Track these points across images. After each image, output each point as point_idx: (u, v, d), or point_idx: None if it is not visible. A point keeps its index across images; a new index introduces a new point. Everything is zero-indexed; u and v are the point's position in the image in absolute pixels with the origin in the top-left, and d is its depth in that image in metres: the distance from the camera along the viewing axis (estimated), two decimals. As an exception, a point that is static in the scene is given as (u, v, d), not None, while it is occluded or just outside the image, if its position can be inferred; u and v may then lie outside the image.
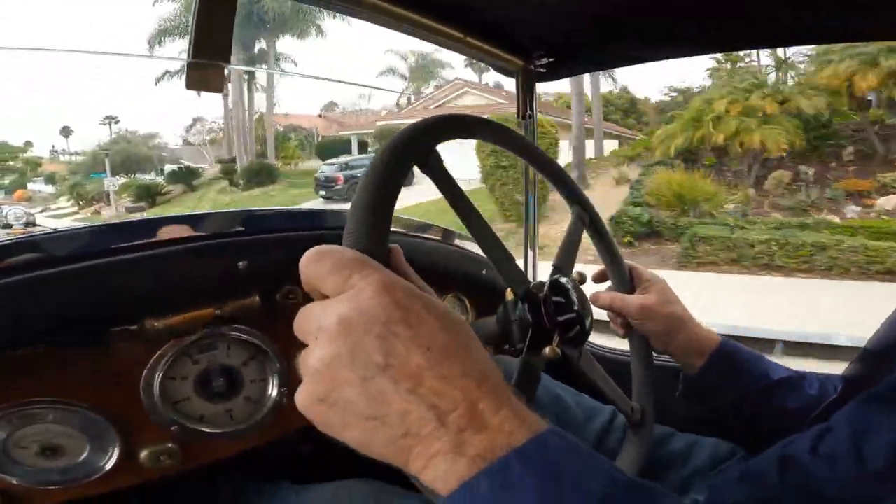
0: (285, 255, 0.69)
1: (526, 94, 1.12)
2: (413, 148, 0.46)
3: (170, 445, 0.65)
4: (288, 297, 0.71)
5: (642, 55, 1.11)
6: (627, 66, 1.16)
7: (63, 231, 0.59)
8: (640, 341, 0.78)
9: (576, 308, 0.58)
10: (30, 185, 34.56)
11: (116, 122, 37.65)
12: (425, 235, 0.92)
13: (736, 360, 0.75)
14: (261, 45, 25.80)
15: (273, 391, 0.73)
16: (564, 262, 0.65)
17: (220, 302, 0.66)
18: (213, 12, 0.67)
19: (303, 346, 0.33)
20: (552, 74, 1.10)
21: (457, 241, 0.97)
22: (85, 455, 0.61)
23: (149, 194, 23.49)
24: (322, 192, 18.04)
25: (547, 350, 0.53)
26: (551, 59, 1.09)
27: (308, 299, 0.73)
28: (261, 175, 21.64)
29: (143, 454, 0.64)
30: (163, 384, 0.64)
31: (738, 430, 0.80)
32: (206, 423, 0.69)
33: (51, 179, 35.22)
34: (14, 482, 0.58)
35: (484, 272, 0.96)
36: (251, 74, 26.01)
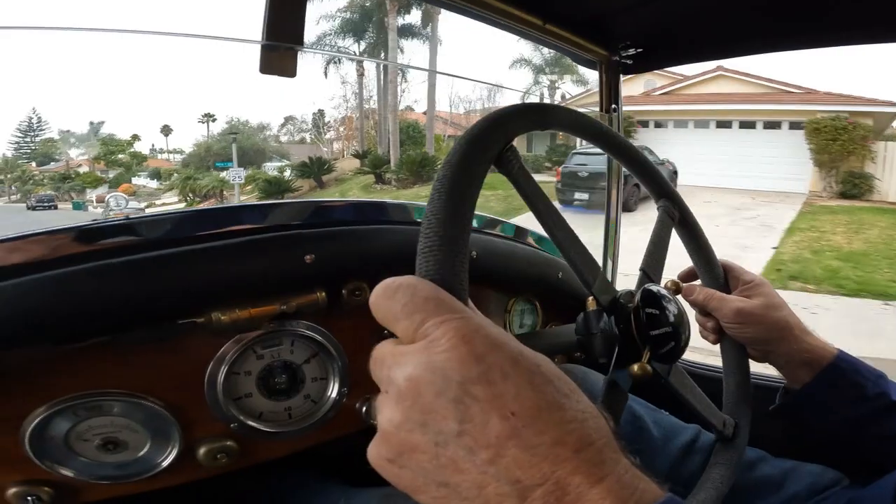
0: (352, 248, 0.67)
1: (610, 85, 1.04)
2: (489, 145, 0.40)
3: (228, 443, 0.64)
4: (354, 294, 0.68)
5: (741, 47, 1.01)
6: (723, 58, 1.06)
7: (131, 219, 0.58)
8: (735, 348, 0.70)
9: (671, 321, 0.52)
10: (134, 180, 33.78)
11: (214, 120, 38.45)
12: (498, 234, 0.87)
13: (852, 376, 0.65)
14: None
15: (333, 391, 0.70)
16: (652, 265, 0.59)
17: (285, 296, 0.63)
18: (285, -4, 0.65)
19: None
20: (639, 66, 1.02)
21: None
22: (145, 450, 0.60)
23: (278, 189, 20.37)
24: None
25: (636, 367, 0.47)
26: (639, 50, 1.01)
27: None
28: (425, 169, 17.56)
29: (201, 451, 0.62)
30: (227, 379, 0.62)
31: (842, 455, 0.69)
32: (264, 420, 0.67)
33: (156, 174, 34.15)
34: (70, 475, 0.58)
35: (559, 275, 0.90)
36: (385, 67, 24.65)
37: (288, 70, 0.61)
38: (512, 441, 0.25)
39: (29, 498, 0.56)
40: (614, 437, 0.27)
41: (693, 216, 0.67)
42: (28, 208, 28.32)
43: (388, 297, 0.29)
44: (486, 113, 0.63)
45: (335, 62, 24.54)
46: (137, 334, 0.58)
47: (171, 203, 25.41)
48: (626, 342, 0.49)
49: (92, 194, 31.09)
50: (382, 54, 23.69)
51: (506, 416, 0.25)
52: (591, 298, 0.51)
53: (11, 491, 0.56)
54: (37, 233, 0.54)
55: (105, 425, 0.58)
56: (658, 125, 15.33)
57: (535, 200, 0.46)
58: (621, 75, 1.06)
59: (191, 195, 23.46)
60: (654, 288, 0.54)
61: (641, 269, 0.58)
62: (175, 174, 30.52)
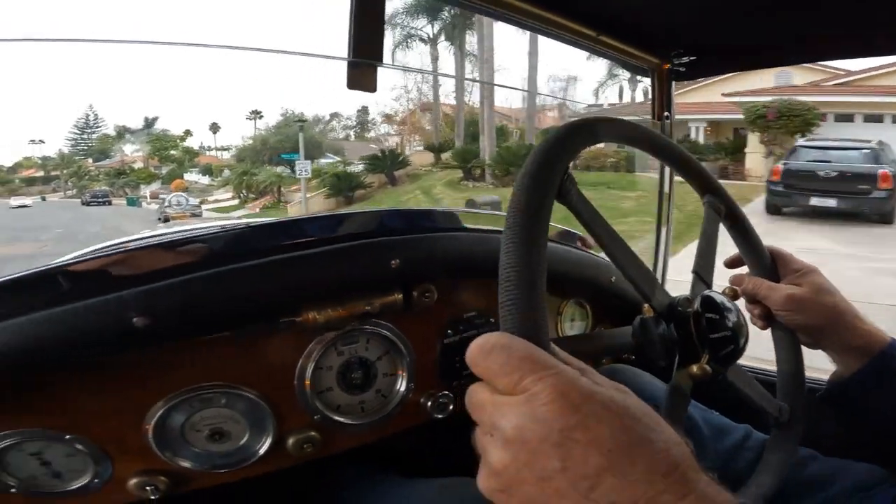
0: (427, 254, 0.71)
1: (663, 93, 1.06)
2: (551, 180, 0.42)
3: (312, 433, 0.68)
4: (424, 296, 0.72)
5: (797, 54, 1.01)
6: (779, 66, 1.06)
7: (242, 226, 0.64)
8: (787, 335, 0.71)
9: (730, 326, 0.54)
10: (185, 176, 33.52)
11: (261, 117, 38.55)
12: (552, 238, 0.90)
13: None
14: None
15: (402, 386, 0.75)
16: (705, 267, 0.60)
17: (370, 297, 0.68)
18: (365, 15, 0.70)
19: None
20: (692, 73, 1.04)
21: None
22: (244, 440, 0.65)
23: (349, 185, 18.31)
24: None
25: (695, 368, 0.50)
26: (692, 58, 1.02)
27: (444, 297, 0.73)
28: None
29: (290, 441, 0.67)
30: (313, 373, 0.67)
31: (891, 451, 0.68)
32: (342, 413, 0.71)
33: (206, 171, 34.07)
34: (184, 465, 0.62)
35: (612, 280, 0.92)
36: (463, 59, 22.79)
37: (370, 85, 0.65)
38: (609, 472, 0.29)
39: (147, 488, 0.60)
40: (694, 458, 0.31)
41: (739, 207, 0.68)
42: (83, 203, 28.36)
43: (484, 356, 0.33)
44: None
45: (404, 46, 22.36)
46: (247, 330, 0.63)
47: (224, 200, 24.94)
48: (685, 345, 0.52)
49: (145, 190, 31.18)
50: (459, 41, 21.91)
51: (603, 453, 0.29)
52: (646, 306, 0.53)
53: (133, 481, 0.60)
54: (173, 240, 0.60)
55: (214, 416, 0.63)
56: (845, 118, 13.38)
57: (594, 223, 0.49)
58: (673, 82, 1.07)
59: (244, 192, 22.46)
60: (712, 295, 0.56)
61: (694, 272, 0.60)
62: (227, 170, 30.07)
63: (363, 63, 0.65)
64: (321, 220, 0.67)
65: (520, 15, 0.94)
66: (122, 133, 43.16)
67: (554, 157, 0.43)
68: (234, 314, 0.60)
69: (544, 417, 0.30)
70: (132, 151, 41.64)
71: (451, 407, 0.78)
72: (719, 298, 0.56)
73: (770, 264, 0.72)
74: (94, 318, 0.53)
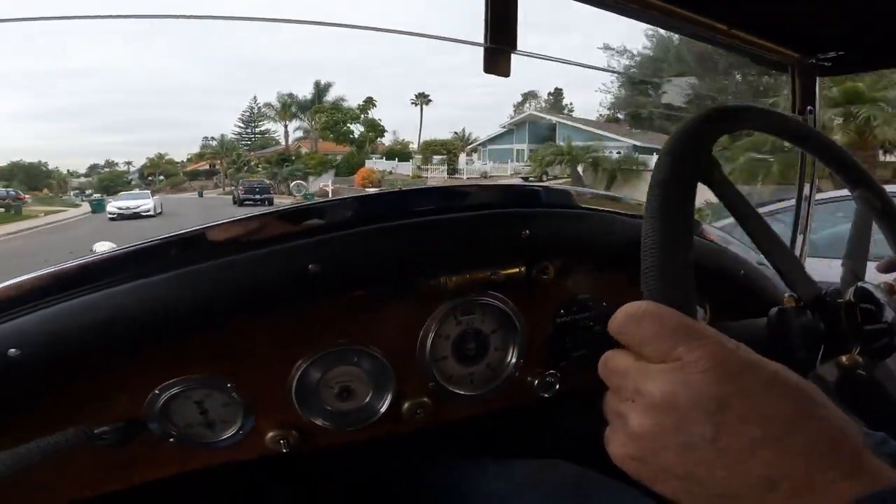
0: (556, 230, 0.72)
1: (804, 87, 1.00)
2: (696, 157, 0.42)
3: (425, 399, 0.71)
4: (543, 273, 0.74)
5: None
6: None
7: (385, 192, 0.69)
8: None
9: (887, 318, 0.52)
10: (370, 163, 28.14)
11: (428, 102, 35.79)
12: None
13: None
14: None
15: (511, 361, 0.76)
16: (857, 258, 0.58)
17: (496, 267, 0.70)
18: (500, 2, 0.74)
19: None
20: (839, 68, 0.97)
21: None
22: (367, 399, 0.68)
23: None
24: None
25: (845, 359, 0.49)
26: (840, 53, 0.95)
27: (560, 276, 0.75)
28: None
29: (405, 406, 0.70)
30: (433, 340, 0.70)
31: None
32: (453, 383, 0.73)
33: (399, 155, 29.14)
34: (315, 420, 0.66)
35: (741, 272, 0.87)
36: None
37: (504, 70, 0.69)
38: (765, 444, 0.27)
39: (281, 441, 0.64)
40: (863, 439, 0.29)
41: (894, 203, 0.63)
42: (235, 202, 23.88)
43: (635, 324, 0.32)
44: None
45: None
46: (382, 290, 0.67)
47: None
48: (833, 337, 0.50)
49: (316, 182, 26.31)
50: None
51: (761, 424, 0.28)
52: (788, 295, 0.52)
53: (270, 434, 0.64)
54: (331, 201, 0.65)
55: (344, 374, 0.66)
56: None
57: (739, 206, 0.48)
58: (818, 77, 1.00)
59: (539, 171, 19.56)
60: (868, 286, 0.54)
61: (844, 265, 0.57)
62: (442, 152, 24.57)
63: (498, 49, 0.69)
64: (457, 190, 0.70)
65: (654, 12, 0.94)
66: (288, 103, 34.87)
67: (697, 137, 0.43)
68: (375, 272, 0.63)
69: (699, 384, 0.29)
70: (295, 129, 35.35)
71: (557, 386, 0.79)
72: (875, 290, 0.54)
73: None
74: (276, 264, 0.58)
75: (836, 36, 0.95)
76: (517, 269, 0.71)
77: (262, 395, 0.63)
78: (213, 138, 40.84)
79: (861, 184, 0.61)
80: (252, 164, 32.95)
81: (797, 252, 1.12)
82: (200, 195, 33.15)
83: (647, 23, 0.97)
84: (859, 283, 0.54)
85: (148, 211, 22.67)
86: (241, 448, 0.64)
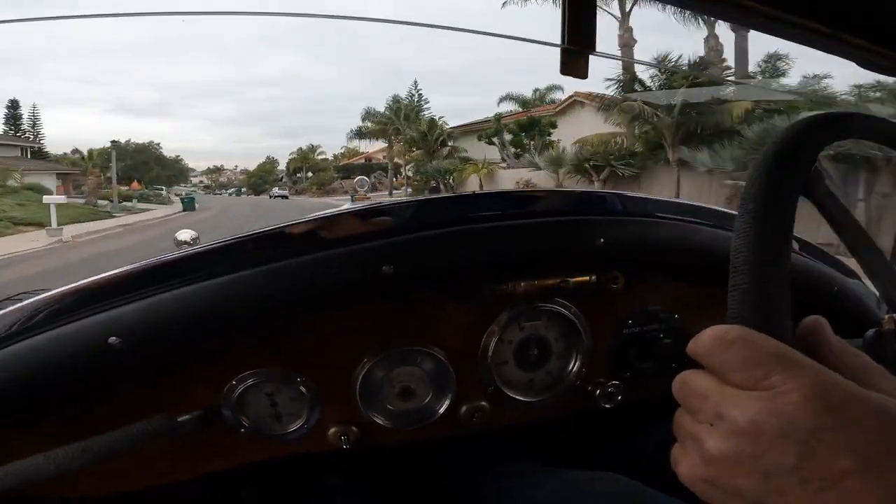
0: (630, 239, 0.70)
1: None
2: (797, 168, 0.37)
3: (483, 403, 0.71)
4: (612, 282, 0.72)
5: None
6: None
7: (458, 195, 0.69)
8: None
9: None
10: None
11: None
12: None
13: None
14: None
15: (573, 369, 0.74)
16: None
17: (565, 275, 0.69)
18: (578, 3, 0.72)
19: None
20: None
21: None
22: (427, 400, 0.69)
23: None
24: None
25: None
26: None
27: (630, 286, 0.72)
28: None
29: (463, 409, 0.70)
30: (495, 345, 0.70)
31: None
32: (512, 388, 0.73)
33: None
34: (375, 418, 0.67)
35: (835, 288, 0.82)
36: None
37: (582, 72, 0.68)
38: (855, 475, 0.26)
39: (342, 437, 0.66)
40: None
41: None
42: None
43: (723, 349, 0.31)
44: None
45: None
46: (449, 292, 0.67)
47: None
48: None
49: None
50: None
51: (854, 455, 0.26)
52: (888, 317, 0.48)
53: (332, 429, 0.66)
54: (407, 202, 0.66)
55: (406, 374, 0.67)
56: None
57: (843, 222, 0.45)
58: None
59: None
60: None
61: None
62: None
63: (575, 50, 0.68)
64: (531, 195, 0.70)
65: (752, 16, 0.89)
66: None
67: (800, 146, 0.38)
68: (445, 275, 0.64)
69: (792, 415, 0.27)
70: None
71: (619, 397, 0.76)
72: None
73: None
74: (353, 263, 0.59)
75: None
76: (587, 278, 0.70)
77: (329, 392, 0.65)
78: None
79: None
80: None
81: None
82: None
83: (749, 28, 0.92)
84: None
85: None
86: (304, 442, 0.66)
